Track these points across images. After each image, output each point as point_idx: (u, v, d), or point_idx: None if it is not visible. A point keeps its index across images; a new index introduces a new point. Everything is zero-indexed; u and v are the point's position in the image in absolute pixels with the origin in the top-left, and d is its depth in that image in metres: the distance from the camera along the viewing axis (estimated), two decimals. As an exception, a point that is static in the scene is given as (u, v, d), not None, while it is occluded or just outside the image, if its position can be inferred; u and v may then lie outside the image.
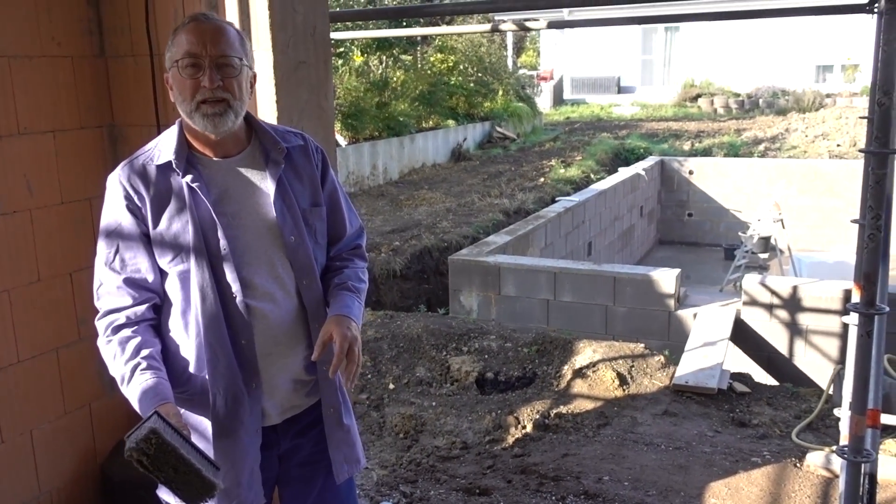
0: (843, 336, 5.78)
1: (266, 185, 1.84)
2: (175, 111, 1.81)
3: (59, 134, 2.84)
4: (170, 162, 1.77)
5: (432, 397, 4.82)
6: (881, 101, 2.48)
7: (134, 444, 1.51)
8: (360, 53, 14.41)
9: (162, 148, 1.80)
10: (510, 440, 4.24)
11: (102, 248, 1.80)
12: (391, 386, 4.95)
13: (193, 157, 1.80)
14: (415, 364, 5.15)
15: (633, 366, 4.87)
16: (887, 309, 2.68)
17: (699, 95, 23.09)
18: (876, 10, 3.56)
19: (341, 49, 13.84)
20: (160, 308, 1.83)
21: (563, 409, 4.48)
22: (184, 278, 1.78)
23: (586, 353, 5.00)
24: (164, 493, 1.87)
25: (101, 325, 1.79)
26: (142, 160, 1.80)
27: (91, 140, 2.94)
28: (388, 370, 5.09)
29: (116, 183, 1.79)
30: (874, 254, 2.55)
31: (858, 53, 21.33)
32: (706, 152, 15.73)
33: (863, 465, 2.78)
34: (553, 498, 3.48)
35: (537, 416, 4.42)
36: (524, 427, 4.37)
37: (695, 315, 6.43)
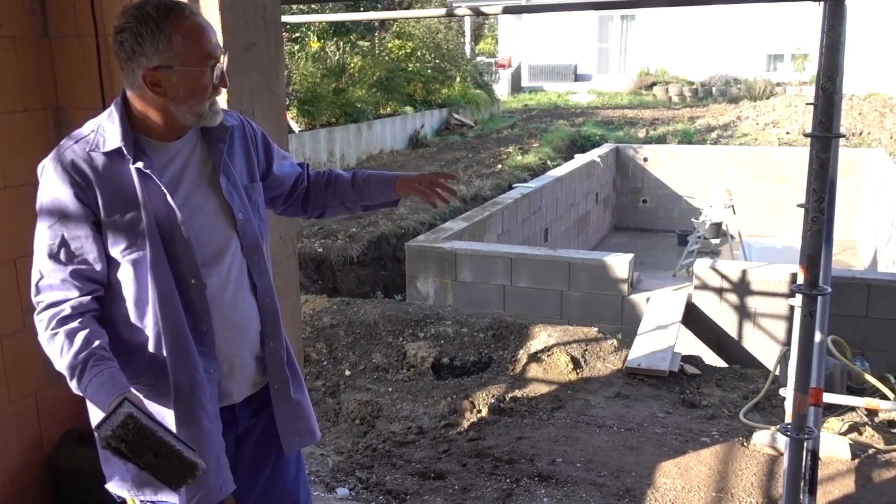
0: (790, 318, 5.91)
1: (212, 164, 1.82)
2: (121, 92, 1.76)
3: (1, 116, 2.76)
4: (119, 148, 1.71)
5: (388, 383, 4.82)
6: (825, 85, 2.54)
7: (110, 432, 1.45)
8: (316, 39, 14.25)
9: (105, 134, 1.73)
10: (466, 424, 4.27)
11: (44, 238, 1.71)
12: (347, 372, 4.94)
13: (140, 141, 1.76)
14: (371, 350, 5.14)
15: (586, 349, 4.93)
16: (829, 290, 2.76)
17: (654, 83, 23.36)
18: (821, -2, 3.62)
19: (297, 35, 13.67)
20: (103, 300, 1.77)
21: (518, 393, 4.52)
22: (138, 266, 1.73)
23: (541, 337, 5.04)
24: (113, 485, 1.84)
25: (43, 317, 1.70)
26: (84, 147, 1.72)
27: (34, 123, 2.86)
28: (344, 357, 5.08)
29: (60, 170, 1.70)
30: (817, 236, 2.62)
31: (808, 43, 21.76)
32: (660, 140, 15.93)
33: (805, 443, 2.86)
34: (507, 480, 3.52)
35: (493, 401, 4.45)
36: (479, 411, 4.40)
37: (647, 299, 6.53)
